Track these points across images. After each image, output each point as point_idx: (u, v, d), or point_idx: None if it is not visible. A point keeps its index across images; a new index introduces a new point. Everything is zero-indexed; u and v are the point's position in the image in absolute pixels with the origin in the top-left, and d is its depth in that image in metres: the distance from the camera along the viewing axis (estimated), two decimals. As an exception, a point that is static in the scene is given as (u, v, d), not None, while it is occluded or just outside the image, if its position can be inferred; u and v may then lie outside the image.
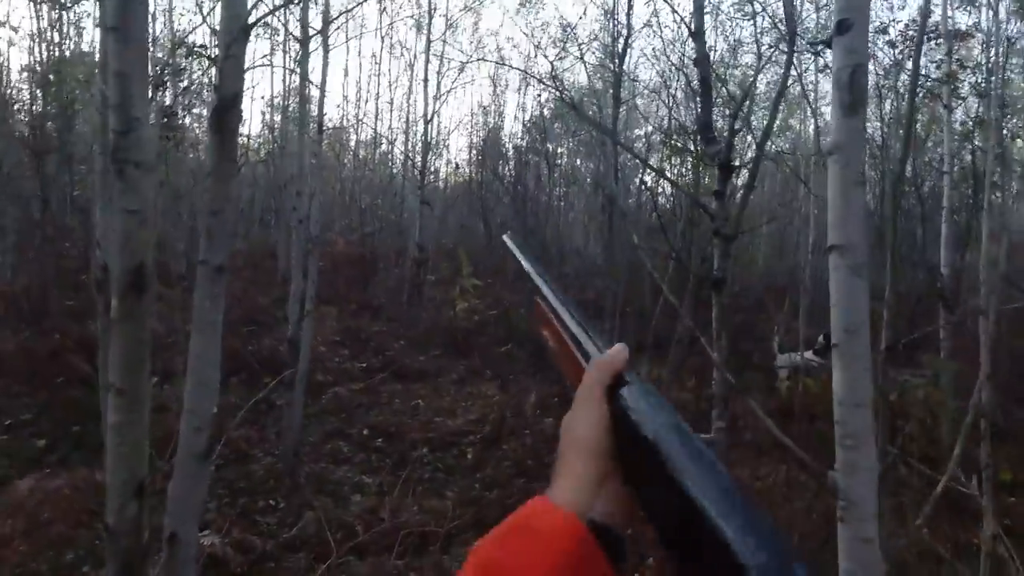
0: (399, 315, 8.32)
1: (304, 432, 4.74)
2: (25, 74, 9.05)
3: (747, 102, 3.01)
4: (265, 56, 9.20)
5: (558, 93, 3.96)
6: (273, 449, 4.50)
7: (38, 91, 8.10)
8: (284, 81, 12.05)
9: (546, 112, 12.17)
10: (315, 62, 4.15)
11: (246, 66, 1.57)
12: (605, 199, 6.19)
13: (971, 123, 6.62)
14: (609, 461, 0.44)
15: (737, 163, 3.15)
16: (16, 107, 8.48)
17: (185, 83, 6.48)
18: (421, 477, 4.34)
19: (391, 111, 14.20)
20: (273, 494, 3.92)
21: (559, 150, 13.34)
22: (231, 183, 1.47)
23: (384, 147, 14.26)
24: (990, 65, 4.86)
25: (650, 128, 13.36)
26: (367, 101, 14.24)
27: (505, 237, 0.74)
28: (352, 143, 14.85)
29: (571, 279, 9.89)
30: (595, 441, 0.44)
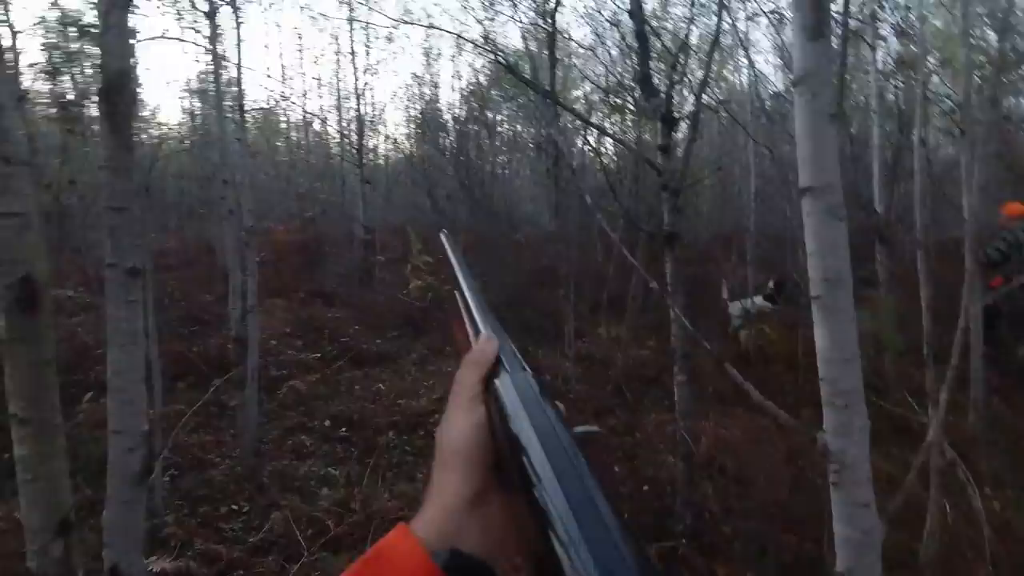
0: (351, 300, 8.09)
1: (263, 430, 4.57)
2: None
3: (684, 53, 2.95)
4: (166, 30, 8.49)
5: (493, 56, 3.80)
6: (231, 452, 4.31)
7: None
8: (198, 61, 11.28)
9: (482, 79, 11.88)
10: (230, 40, 3.85)
11: (143, 38, 1.38)
12: (550, 162, 6.10)
13: (893, 62, 6.83)
14: (484, 473, 0.38)
15: (678, 116, 3.10)
16: None
17: (83, 69, 5.92)
18: (390, 463, 4.25)
19: (320, 88, 13.56)
20: (236, 498, 3.76)
21: (499, 117, 13.10)
22: (132, 175, 1.30)
23: (317, 127, 13.68)
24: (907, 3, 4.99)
25: (588, 88, 13.28)
26: (293, 79, 13.56)
27: (442, 235, 0.72)
28: (283, 125, 14.17)
29: (523, 247, 9.83)
30: (465, 452, 0.38)
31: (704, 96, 3.69)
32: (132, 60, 1.28)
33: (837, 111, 2.38)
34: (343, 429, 4.80)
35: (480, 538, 0.37)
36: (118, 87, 1.25)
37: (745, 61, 11.74)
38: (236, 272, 3.81)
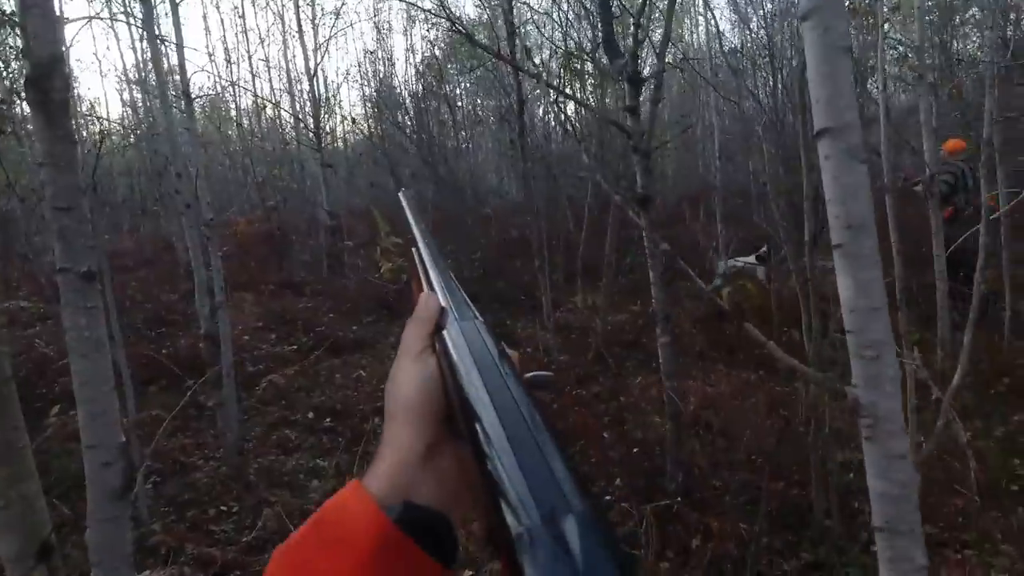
0: (322, 288, 7.93)
1: (244, 428, 4.47)
2: None
3: (646, 10, 2.88)
4: (95, 17, 7.98)
5: (450, 24, 3.66)
6: (214, 453, 4.21)
7: None
8: (135, 49, 10.70)
9: (437, 52, 11.57)
10: (167, 23, 3.60)
11: (69, 21, 1.25)
12: (515, 132, 6.00)
13: (847, 9, 6.86)
14: (436, 426, 0.37)
15: (644, 75, 3.04)
16: None
17: (8, 63, 5.51)
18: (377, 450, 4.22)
19: (268, 70, 13.03)
20: (223, 499, 3.68)
21: (457, 91, 12.82)
22: (76, 170, 1.20)
23: (270, 111, 13.18)
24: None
25: (546, 55, 13.07)
26: (238, 62, 12.98)
27: (401, 194, 0.72)
28: (233, 112, 13.62)
29: (492, 220, 9.74)
30: (416, 406, 0.38)
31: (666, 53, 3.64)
32: (63, 46, 1.16)
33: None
34: (327, 420, 4.73)
35: (435, 490, 0.36)
36: (48, 73, 1.13)
37: (700, 20, 11.71)
38: (200, 268, 3.66)
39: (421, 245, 0.58)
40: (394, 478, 0.36)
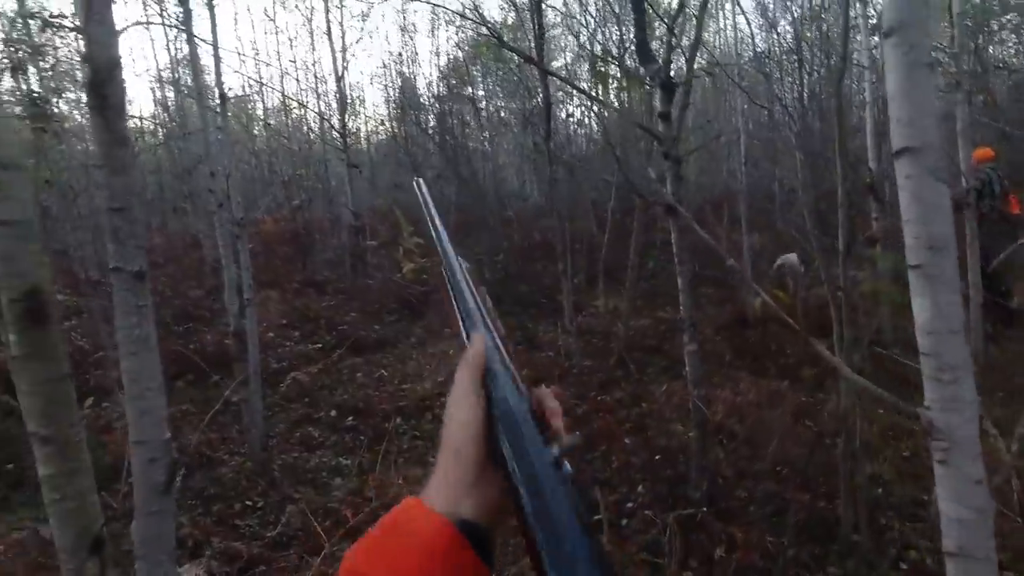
0: (345, 287, 8.01)
1: (269, 424, 4.53)
2: None
3: (681, 16, 2.86)
4: (139, 23, 8.17)
5: (480, 25, 3.67)
6: (239, 448, 4.27)
7: None
8: (169, 50, 10.91)
9: (460, 55, 11.61)
10: (204, 25, 3.68)
11: (127, 25, 1.29)
12: (540, 135, 5.99)
13: (877, 16, 6.74)
14: (482, 461, 0.44)
15: (677, 81, 3.02)
16: None
17: (51, 63, 5.66)
18: (400, 448, 4.24)
19: (296, 71, 13.21)
20: (249, 494, 3.73)
21: (479, 93, 12.86)
22: (131, 172, 1.22)
23: (296, 111, 13.35)
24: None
25: (569, 58, 13.04)
26: (268, 64, 13.17)
27: (417, 182, 0.73)
28: (260, 111, 13.82)
29: (514, 223, 9.75)
30: (465, 445, 0.45)
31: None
32: (119, 52, 1.19)
33: (842, 68, 2.33)
34: (350, 418, 4.77)
35: (480, 510, 0.43)
36: (108, 79, 1.16)
37: (725, 23, 11.60)
38: (230, 266, 3.72)
39: (438, 239, 0.63)
40: (448, 497, 0.42)
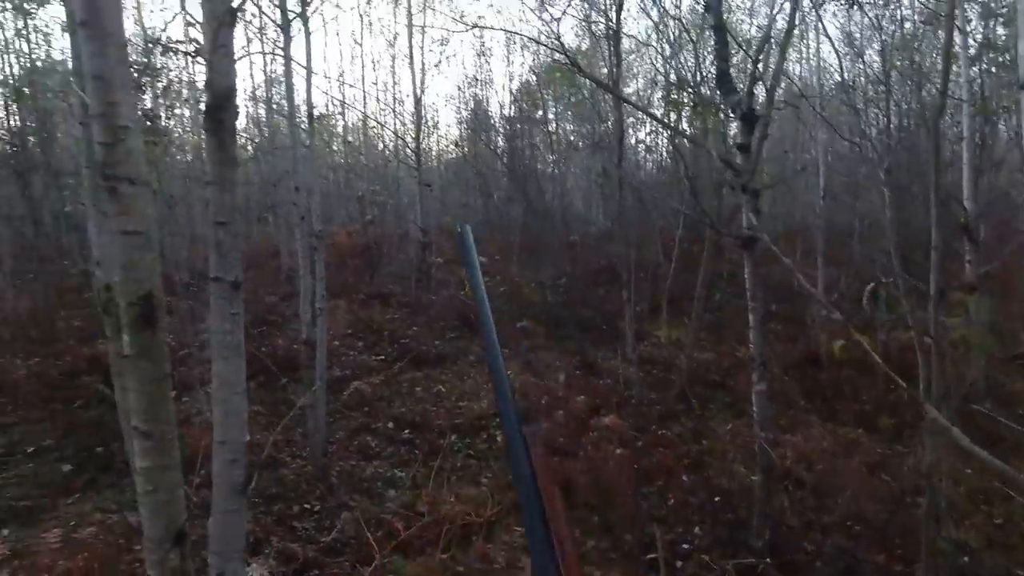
0: (409, 301, 8.21)
1: (330, 431, 4.67)
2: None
3: (766, 46, 2.81)
4: (244, 48, 8.85)
5: (557, 52, 3.75)
6: (301, 451, 4.43)
7: (13, 105, 7.81)
8: (265, 70, 11.70)
9: (531, 80, 11.83)
10: (297, 47, 3.94)
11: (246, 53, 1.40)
12: (611, 160, 5.99)
13: (978, 46, 6.34)
14: None
15: (759, 113, 2.95)
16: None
17: (164, 83, 6.23)
18: (454, 466, 4.27)
19: (376, 92, 13.85)
20: (307, 497, 3.85)
21: (549, 116, 13.02)
22: (236, 190, 1.32)
23: (373, 129, 13.95)
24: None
25: (640, 84, 13.00)
26: (351, 85, 13.88)
27: (459, 227, 0.75)
28: (339, 129, 14.53)
29: (579, 248, 9.72)
30: None
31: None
32: (235, 80, 1.30)
33: (942, 103, 2.20)
34: (406, 431, 4.85)
35: None
36: (225, 105, 1.27)
37: (807, 51, 11.25)
38: (307, 277, 3.90)
39: (478, 298, 0.66)
40: None
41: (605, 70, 8.02)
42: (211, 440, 1.34)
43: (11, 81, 7.88)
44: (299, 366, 4.52)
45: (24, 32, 7.65)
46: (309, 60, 3.82)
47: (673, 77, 7.60)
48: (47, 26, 8.48)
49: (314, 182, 4.27)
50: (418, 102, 8.88)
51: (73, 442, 4.34)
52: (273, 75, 10.37)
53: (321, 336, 4.33)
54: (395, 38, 12.03)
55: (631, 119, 11.25)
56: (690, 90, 6.86)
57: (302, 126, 4.30)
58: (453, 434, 4.74)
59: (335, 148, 14.04)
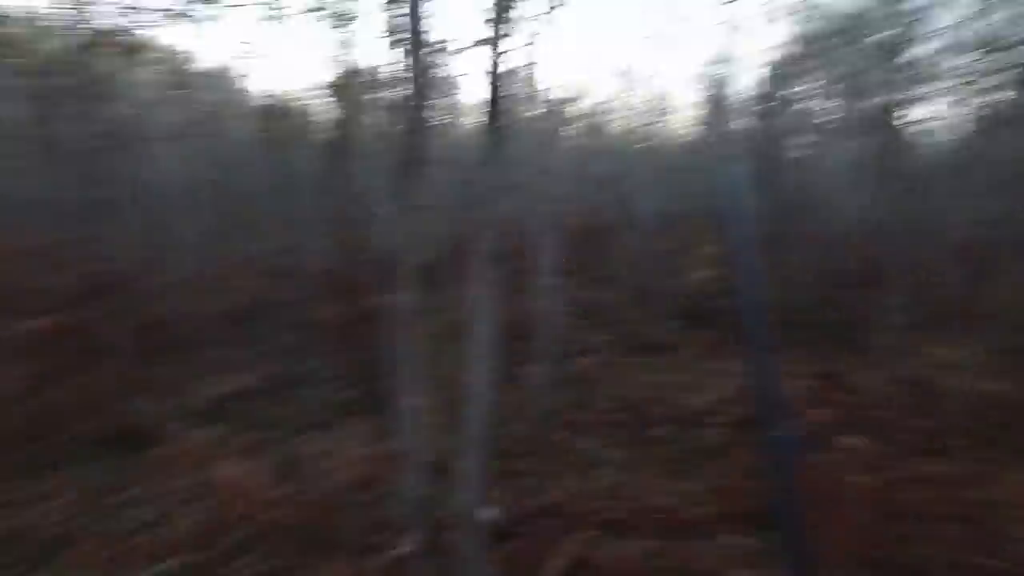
0: (632, 286, 8.18)
1: (550, 402, 4.93)
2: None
3: None
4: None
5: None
6: (522, 416, 4.77)
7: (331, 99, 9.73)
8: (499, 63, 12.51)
9: (785, 53, 10.56)
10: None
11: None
12: (884, 139, 5.12)
13: None
14: None
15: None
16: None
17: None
18: (666, 456, 4.18)
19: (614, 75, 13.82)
20: (526, 459, 4.14)
21: (811, 91, 11.53)
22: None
23: (602, 112, 13.97)
24: None
25: (933, 46, 10.68)
26: (596, 68, 14.07)
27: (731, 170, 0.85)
28: (579, 110, 14.88)
29: (833, 243, 8.53)
30: None
31: None
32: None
33: None
34: (620, 413, 4.89)
35: None
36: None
37: None
38: (541, 255, 4.15)
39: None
40: None
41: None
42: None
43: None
44: (529, 337, 4.86)
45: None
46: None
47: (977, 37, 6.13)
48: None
49: (553, 164, 4.50)
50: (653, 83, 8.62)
51: (361, 374, 5.32)
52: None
53: (551, 311, 4.58)
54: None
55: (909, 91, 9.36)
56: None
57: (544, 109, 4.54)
58: (667, 424, 4.64)
59: (573, 132, 14.46)
